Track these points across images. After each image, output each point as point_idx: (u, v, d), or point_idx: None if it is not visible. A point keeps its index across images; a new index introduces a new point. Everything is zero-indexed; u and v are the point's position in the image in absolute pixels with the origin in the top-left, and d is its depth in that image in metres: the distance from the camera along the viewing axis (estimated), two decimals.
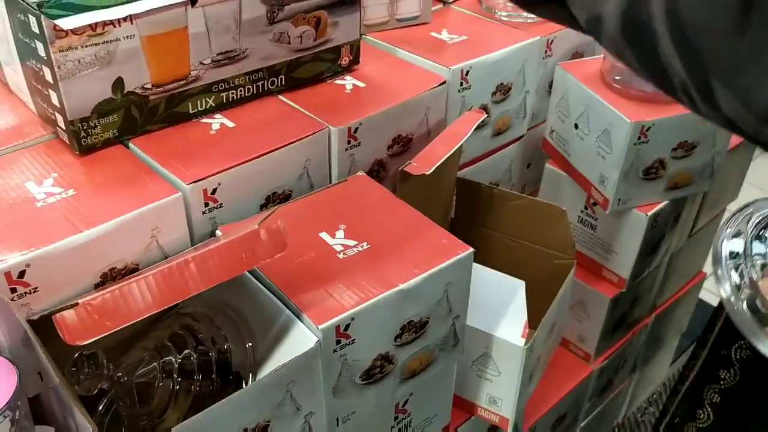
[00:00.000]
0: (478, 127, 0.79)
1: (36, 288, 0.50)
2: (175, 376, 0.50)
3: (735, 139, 0.87)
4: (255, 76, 0.66)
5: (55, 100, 0.57)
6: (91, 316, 0.39)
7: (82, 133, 0.58)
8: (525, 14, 0.86)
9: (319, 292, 0.53)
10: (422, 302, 0.56)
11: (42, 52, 0.54)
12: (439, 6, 0.89)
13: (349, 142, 0.66)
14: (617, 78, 0.79)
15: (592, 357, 0.94)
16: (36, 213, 0.53)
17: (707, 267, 1.15)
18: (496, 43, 0.79)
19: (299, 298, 0.52)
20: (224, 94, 0.65)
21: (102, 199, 0.55)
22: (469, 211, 0.81)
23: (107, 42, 0.56)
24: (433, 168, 0.64)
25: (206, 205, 0.58)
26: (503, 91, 0.80)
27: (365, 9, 0.79)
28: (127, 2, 0.56)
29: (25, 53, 0.58)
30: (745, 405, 0.73)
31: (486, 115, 0.77)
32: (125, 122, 0.60)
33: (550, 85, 0.87)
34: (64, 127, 0.58)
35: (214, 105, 0.65)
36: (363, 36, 0.81)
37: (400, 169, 0.64)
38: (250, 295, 0.54)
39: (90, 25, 0.54)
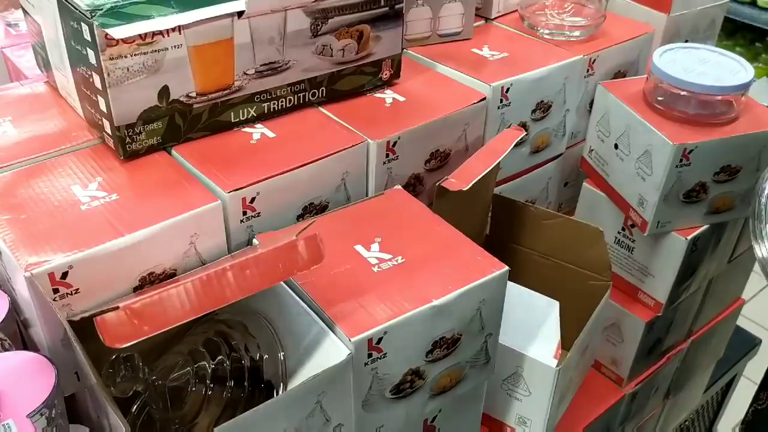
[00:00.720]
0: (517, 145, 0.79)
1: (77, 289, 0.51)
2: (207, 381, 0.51)
3: None
4: (297, 88, 0.67)
5: (102, 106, 0.58)
6: (130, 320, 0.39)
7: (127, 139, 0.59)
8: (568, 32, 0.85)
9: (352, 304, 0.53)
10: (455, 319, 0.56)
11: (93, 60, 0.56)
12: (482, 22, 0.89)
13: (387, 155, 0.67)
14: (660, 99, 0.78)
15: (625, 381, 0.93)
16: (80, 216, 0.54)
17: (746, 293, 1.13)
18: (537, 61, 0.79)
19: (332, 309, 0.52)
20: (266, 104, 0.66)
21: (144, 205, 0.56)
22: (505, 229, 0.81)
23: (156, 51, 0.57)
24: (470, 184, 0.64)
25: (244, 213, 0.59)
26: (543, 109, 0.80)
27: (407, 24, 0.80)
28: (177, 12, 0.57)
29: (76, 59, 0.60)
30: None
31: (525, 133, 0.76)
32: (169, 129, 0.61)
33: (591, 104, 0.86)
34: (110, 133, 0.60)
35: (255, 115, 0.66)
36: (405, 50, 0.81)
37: (437, 184, 0.64)
38: (285, 305, 0.54)
39: (140, 35, 0.55)
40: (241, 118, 0.65)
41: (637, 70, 0.90)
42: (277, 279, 0.46)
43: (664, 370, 1.00)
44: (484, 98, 0.73)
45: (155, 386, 0.50)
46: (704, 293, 0.97)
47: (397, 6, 0.70)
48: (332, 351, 0.50)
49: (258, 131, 0.66)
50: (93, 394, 0.51)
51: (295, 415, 0.49)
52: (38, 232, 0.52)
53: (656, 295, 0.86)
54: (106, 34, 0.54)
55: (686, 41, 0.99)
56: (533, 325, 0.68)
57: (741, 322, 1.20)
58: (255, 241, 0.60)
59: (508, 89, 0.75)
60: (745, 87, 0.75)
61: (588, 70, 0.84)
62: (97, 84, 0.57)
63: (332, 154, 0.63)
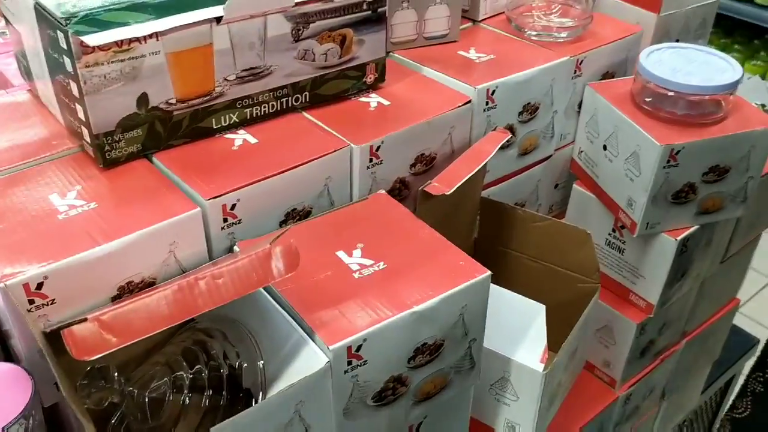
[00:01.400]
0: (504, 147, 0.78)
1: (53, 300, 0.50)
2: (185, 391, 0.51)
3: None
4: (279, 93, 0.67)
5: (81, 114, 0.58)
6: (98, 332, 0.39)
7: (107, 147, 0.59)
8: (555, 33, 0.85)
9: (332, 311, 0.52)
10: (437, 324, 0.56)
11: (69, 67, 0.56)
12: (469, 24, 0.89)
13: (371, 160, 0.66)
14: (647, 100, 0.77)
15: (618, 383, 0.92)
16: (57, 225, 0.54)
17: (741, 293, 1.12)
18: (524, 63, 0.79)
19: (312, 317, 0.52)
20: (248, 110, 0.66)
21: (122, 213, 0.56)
22: (493, 232, 0.80)
23: (133, 58, 0.56)
24: (454, 188, 0.63)
25: (225, 220, 0.59)
26: (530, 110, 0.80)
27: (393, 27, 0.80)
28: (154, 19, 0.57)
29: (54, 67, 0.59)
30: None
31: (511, 136, 0.76)
32: (149, 137, 0.61)
33: (580, 105, 0.85)
34: (89, 141, 0.59)
35: (237, 121, 0.66)
36: (390, 53, 0.81)
37: (420, 188, 0.64)
38: (264, 312, 0.54)
39: (116, 42, 0.55)
40: (223, 124, 0.65)
41: (626, 71, 0.89)
42: (250, 288, 0.46)
43: (658, 372, 0.99)
44: (469, 101, 0.72)
45: (132, 397, 0.49)
46: (697, 294, 0.96)
47: (380, 9, 0.69)
48: (311, 359, 0.50)
49: (240, 137, 0.65)
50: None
51: (273, 424, 0.49)
52: (14, 242, 0.52)
53: (647, 296, 0.85)
54: (81, 41, 0.53)
55: (677, 41, 0.98)
56: (520, 330, 0.68)
57: (740, 321, 1.19)
58: (236, 248, 0.60)
59: (493, 92, 0.74)
60: (732, 86, 0.74)
61: (575, 71, 0.83)
62: (75, 92, 0.57)
63: (314, 159, 0.63)
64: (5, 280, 0.48)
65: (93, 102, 0.56)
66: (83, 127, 0.59)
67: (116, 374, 0.48)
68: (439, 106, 0.71)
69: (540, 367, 0.65)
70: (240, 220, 0.60)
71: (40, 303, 0.50)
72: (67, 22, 0.53)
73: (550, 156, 0.87)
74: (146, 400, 0.50)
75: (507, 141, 0.73)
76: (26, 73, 0.69)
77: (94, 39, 0.54)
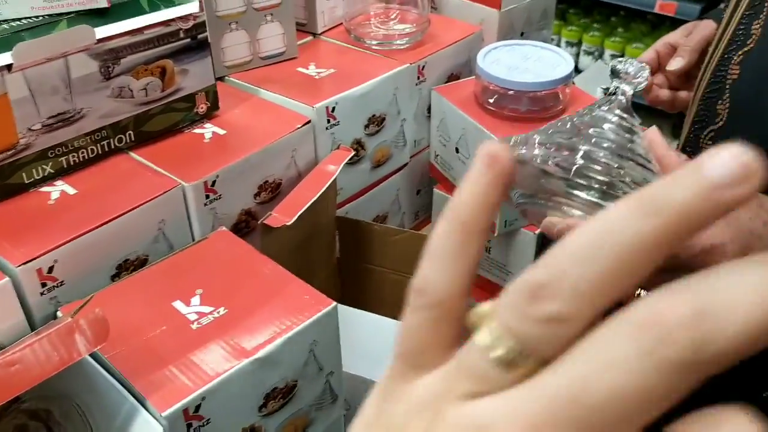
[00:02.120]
0: (355, 162, 0.76)
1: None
2: None
3: None
4: (97, 136, 0.62)
5: None
6: None
7: None
8: (396, 41, 0.83)
9: (164, 372, 0.49)
10: (284, 366, 0.53)
11: None
12: (309, 38, 0.86)
13: (207, 196, 0.63)
14: (490, 100, 0.77)
15: None
16: None
17: None
18: (365, 74, 0.77)
19: (142, 382, 0.48)
20: (63, 158, 0.61)
21: None
22: (355, 250, 0.79)
23: None
24: (295, 217, 0.61)
25: (44, 284, 0.54)
26: (377, 122, 0.78)
27: (224, 50, 0.76)
28: None
29: None
30: None
31: (353, 153, 0.74)
32: None
33: (429, 110, 0.85)
34: None
35: (53, 171, 0.60)
36: (225, 78, 0.77)
37: (259, 222, 0.61)
38: (93, 382, 0.49)
39: None
40: (36, 177, 0.60)
41: (471, 71, 0.90)
42: (52, 370, 0.41)
43: None
44: (309, 121, 0.70)
45: None
46: None
47: (200, 36, 0.66)
48: (144, 429, 0.46)
49: (57, 189, 0.60)
50: None
51: None
52: None
53: None
54: None
55: (522, 34, 1.00)
56: (384, 350, 0.66)
57: None
58: (59, 314, 0.55)
59: (333, 108, 0.72)
60: (566, 79, 0.75)
61: (419, 77, 0.82)
62: None
63: (142, 204, 0.59)
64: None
65: None
66: None
67: None
68: (277, 130, 0.68)
69: None
70: (62, 282, 0.55)
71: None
72: None
73: (407, 164, 0.86)
74: None
75: (350, 159, 0.71)
76: None
77: None
